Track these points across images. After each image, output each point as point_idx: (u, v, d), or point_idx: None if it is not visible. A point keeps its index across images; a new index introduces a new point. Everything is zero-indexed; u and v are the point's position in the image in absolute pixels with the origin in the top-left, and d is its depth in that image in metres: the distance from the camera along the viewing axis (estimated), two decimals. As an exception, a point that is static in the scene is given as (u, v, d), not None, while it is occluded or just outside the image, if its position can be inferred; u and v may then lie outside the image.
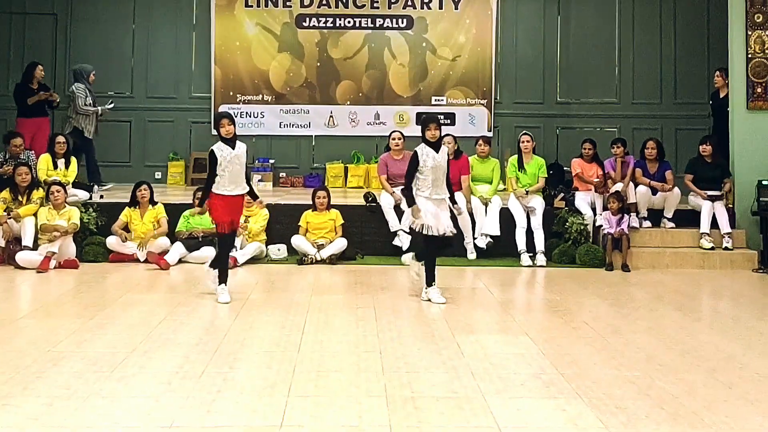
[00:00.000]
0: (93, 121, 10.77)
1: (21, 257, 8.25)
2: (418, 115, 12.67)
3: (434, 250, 6.91)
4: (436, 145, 6.82)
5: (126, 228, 8.89)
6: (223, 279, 6.79)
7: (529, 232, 9.12)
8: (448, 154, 6.97)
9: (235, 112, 12.55)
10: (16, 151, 9.45)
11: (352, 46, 13.01)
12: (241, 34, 12.95)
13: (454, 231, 6.97)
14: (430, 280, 6.87)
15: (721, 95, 10.17)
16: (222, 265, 6.86)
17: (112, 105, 11.20)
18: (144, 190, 9.00)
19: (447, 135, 9.37)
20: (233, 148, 6.77)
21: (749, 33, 9.72)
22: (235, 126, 6.87)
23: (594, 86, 12.99)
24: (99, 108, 10.74)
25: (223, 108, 12.68)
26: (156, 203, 9.09)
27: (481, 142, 9.67)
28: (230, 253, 7.86)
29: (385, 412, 4.05)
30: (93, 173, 10.80)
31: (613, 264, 8.77)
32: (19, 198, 8.77)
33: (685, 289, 7.90)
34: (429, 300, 6.82)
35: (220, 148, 6.76)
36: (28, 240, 8.44)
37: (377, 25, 12.99)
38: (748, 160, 9.55)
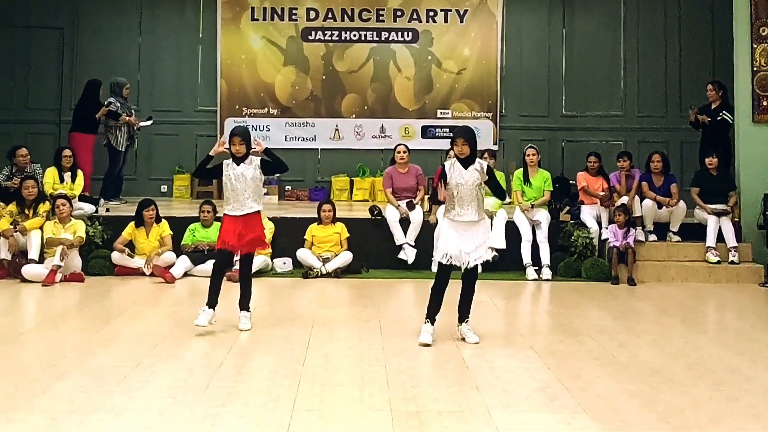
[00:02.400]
0: (124, 134, 10.88)
1: (27, 271, 8.26)
2: (424, 128, 12.73)
3: (445, 277, 5.94)
4: (465, 162, 5.90)
5: (128, 244, 8.89)
6: (209, 301, 6.10)
7: (535, 246, 9.11)
8: (478, 170, 5.90)
9: (240, 125, 12.60)
10: (24, 161, 9.47)
11: (357, 60, 13.05)
12: (246, 47, 13.01)
13: (480, 260, 5.98)
14: (431, 312, 5.89)
15: (713, 108, 10.14)
16: (210, 285, 6.19)
17: (151, 122, 11.39)
18: (151, 210, 8.92)
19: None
20: (238, 166, 6.25)
21: (755, 46, 9.73)
22: (248, 145, 6.24)
23: (599, 99, 13.00)
24: (128, 119, 10.86)
25: (229, 122, 12.73)
26: (160, 220, 9.03)
27: (486, 155, 9.67)
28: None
29: (389, 425, 4.04)
30: (105, 186, 10.82)
31: (618, 277, 8.75)
32: (26, 211, 8.79)
33: (690, 302, 7.88)
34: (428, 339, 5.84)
35: (228, 164, 6.32)
36: (34, 253, 8.47)
37: (383, 39, 13.04)
38: (753, 173, 9.54)
